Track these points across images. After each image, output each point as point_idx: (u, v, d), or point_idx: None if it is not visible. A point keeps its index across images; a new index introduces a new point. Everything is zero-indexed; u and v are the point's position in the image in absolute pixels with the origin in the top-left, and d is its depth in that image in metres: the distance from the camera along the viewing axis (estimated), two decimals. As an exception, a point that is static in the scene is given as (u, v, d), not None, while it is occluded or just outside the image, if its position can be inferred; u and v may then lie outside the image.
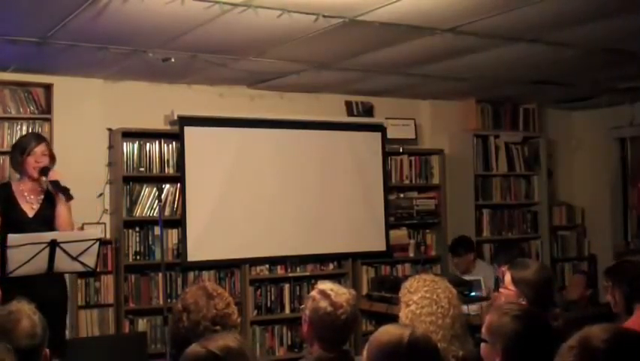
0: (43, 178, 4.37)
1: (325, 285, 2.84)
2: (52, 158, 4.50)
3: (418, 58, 5.19)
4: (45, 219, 4.34)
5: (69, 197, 4.39)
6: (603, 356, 1.59)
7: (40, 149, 4.39)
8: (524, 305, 2.95)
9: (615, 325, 1.75)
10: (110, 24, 4.11)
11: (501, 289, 3.43)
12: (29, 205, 4.38)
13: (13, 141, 5.09)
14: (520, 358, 2.39)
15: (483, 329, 2.50)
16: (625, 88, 6.52)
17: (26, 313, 2.37)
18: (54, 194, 4.36)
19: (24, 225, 4.23)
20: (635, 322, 3.23)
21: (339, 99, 6.70)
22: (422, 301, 2.96)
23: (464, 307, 4.13)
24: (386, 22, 4.18)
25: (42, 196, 4.40)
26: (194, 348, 2.00)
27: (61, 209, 4.35)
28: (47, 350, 2.39)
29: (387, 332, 2.20)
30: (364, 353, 2.20)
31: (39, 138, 4.53)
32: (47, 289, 4.02)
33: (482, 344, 2.49)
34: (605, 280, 3.71)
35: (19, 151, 4.42)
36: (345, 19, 4.13)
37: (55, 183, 4.34)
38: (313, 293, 2.83)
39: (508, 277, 3.37)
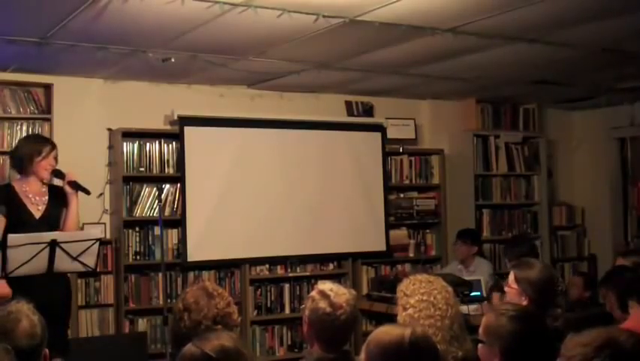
0: (60, 181, 4.40)
1: (325, 285, 2.83)
2: (57, 160, 4.53)
3: (418, 58, 5.19)
4: (51, 220, 4.34)
5: (88, 192, 4.46)
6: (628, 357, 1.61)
7: (54, 153, 4.43)
8: (521, 306, 2.95)
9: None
10: (110, 24, 4.11)
11: (505, 288, 3.46)
12: (35, 206, 4.37)
13: (13, 141, 5.09)
14: (518, 359, 2.38)
15: (480, 330, 2.50)
16: (625, 88, 6.52)
17: (25, 314, 2.37)
18: (71, 195, 4.37)
19: (30, 226, 4.22)
20: (633, 323, 3.23)
21: (339, 99, 6.70)
22: (420, 304, 2.95)
23: (464, 308, 4.14)
24: (386, 22, 4.18)
25: (46, 197, 4.40)
26: (190, 349, 1.99)
27: (73, 211, 4.39)
28: (47, 350, 2.40)
29: (387, 332, 2.19)
30: (362, 353, 2.20)
31: (52, 142, 4.55)
32: (51, 289, 4.02)
33: (480, 346, 2.49)
34: (600, 290, 3.76)
35: (34, 153, 4.37)
36: (345, 19, 4.13)
37: (75, 184, 4.38)
38: (313, 294, 2.82)
39: (511, 276, 3.43)
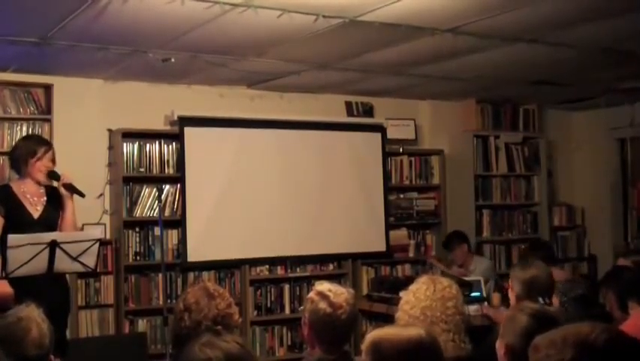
0: (55, 183, 4.37)
1: (323, 286, 2.83)
2: (54, 162, 4.50)
3: (418, 58, 5.19)
4: (49, 221, 4.33)
5: (83, 194, 4.43)
6: (602, 355, 1.58)
7: (49, 155, 4.38)
8: (542, 307, 2.91)
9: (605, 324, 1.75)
10: (110, 24, 4.11)
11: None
12: (33, 207, 4.36)
13: (13, 142, 5.08)
14: (521, 355, 2.37)
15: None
16: (625, 88, 6.52)
17: (36, 322, 2.36)
18: (66, 197, 4.36)
19: (28, 226, 4.21)
20: (633, 324, 3.24)
21: (339, 99, 6.70)
22: (421, 302, 2.95)
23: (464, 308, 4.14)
24: (386, 22, 4.18)
25: (45, 198, 4.39)
26: (197, 353, 1.94)
27: (69, 213, 4.36)
28: (52, 356, 2.40)
29: (399, 333, 2.17)
30: (365, 355, 2.17)
31: (48, 143, 4.50)
32: (50, 290, 3.99)
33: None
34: (600, 290, 3.79)
35: (29, 154, 4.37)
36: (345, 19, 4.13)
37: (70, 186, 4.35)
38: (311, 295, 2.81)
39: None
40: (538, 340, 1.67)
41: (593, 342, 1.58)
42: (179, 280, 5.86)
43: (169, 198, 5.87)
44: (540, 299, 3.34)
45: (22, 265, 3.90)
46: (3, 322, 2.38)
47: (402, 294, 3.10)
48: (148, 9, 3.85)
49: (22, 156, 4.38)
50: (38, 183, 4.36)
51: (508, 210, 7.21)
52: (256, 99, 6.31)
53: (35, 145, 4.41)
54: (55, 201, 4.38)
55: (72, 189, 4.36)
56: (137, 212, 5.76)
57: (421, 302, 2.93)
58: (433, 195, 7.01)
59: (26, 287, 3.71)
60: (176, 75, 5.64)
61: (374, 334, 2.21)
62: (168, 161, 5.89)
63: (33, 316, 2.39)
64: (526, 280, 3.44)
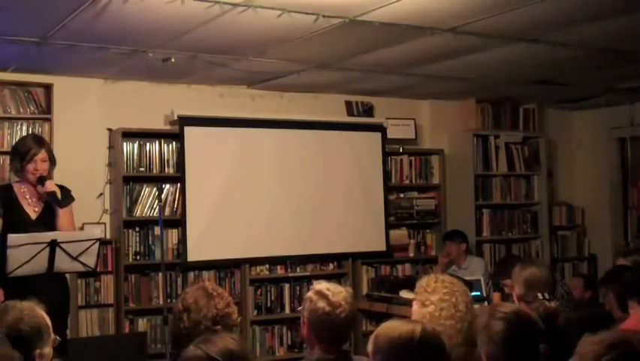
0: (40, 186, 4.36)
1: (321, 285, 2.83)
2: (53, 161, 4.49)
3: (418, 58, 5.19)
4: (47, 222, 4.33)
5: (66, 203, 4.39)
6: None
7: (40, 156, 4.36)
8: (515, 308, 2.89)
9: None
10: (110, 24, 4.11)
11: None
12: (32, 208, 4.37)
13: (14, 141, 5.09)
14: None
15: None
16: (625, 88, 6.52)
17: (20, 309, 2.40)
18: (54, 204, 4.36)
19: (26, 227, 4.22)
20: (633, 324, 3.24)
21: (339, 99, 6.70)
22: (441, 303, 2.89)
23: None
24: (386, 22, 4.18)
25: (44, 200, 4.40)
26: (194, 351, 1.96)
27: (61, 219, 4.36)
28: (42, 353, 2.38)
29: (396, 327, 2.18)
30: (369, 346, 2.19)
31: (39, 144, 4.46)
32: (49, 289, 4.00)
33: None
34: (600, 289, 3.80)
35: (19, 158, 4.38)
36: (345, 19, 4.13)
37: (52, 195, 4.32)
38: (310, 294, 2.81)
39: None
40: (584, 338, 1.81)
41: (632, 345, 1.70)
42: (179, 280, 5.86)
43: (169, 198, 5.87)
44: (540, 295, 3.35)
45: (22, 265, 3.91)
46: None
47: (415, 302, 3.01)
48: (148, 9, 3.85)
49: (14, 160, 4.43)
50: (33, 185, 4.37)
51: (508, 209, 7.21)
52: (256, 99, 6.31)
53: (25, 148, 4.41)
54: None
55: (53, 199, 4.33)
56: (137, 212, 5.76)
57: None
58: (433, 195, 7.01)
59: (25, 287, 3.71)
60: (176, 75, 5.64)
61: (380, 326, 2.23)
62: (168, 160, 5.89)
63: (20, 304, 2.43)
64: (525, 279, 3.45)
